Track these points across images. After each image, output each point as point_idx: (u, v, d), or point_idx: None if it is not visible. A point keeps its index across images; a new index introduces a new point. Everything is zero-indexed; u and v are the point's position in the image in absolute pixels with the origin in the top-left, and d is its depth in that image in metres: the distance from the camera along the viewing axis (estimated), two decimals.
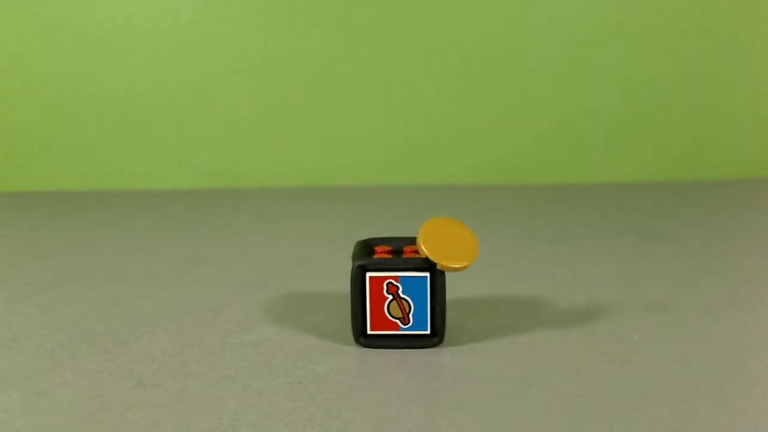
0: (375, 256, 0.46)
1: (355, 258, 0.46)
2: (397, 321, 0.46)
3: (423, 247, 0.45)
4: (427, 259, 0.45)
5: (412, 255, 0.46)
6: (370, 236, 0.67)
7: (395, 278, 0.45)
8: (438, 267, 0.45)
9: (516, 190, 1.12)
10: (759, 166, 1.23)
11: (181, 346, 0.46)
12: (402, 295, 0.45)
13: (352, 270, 0.45)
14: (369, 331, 0.46)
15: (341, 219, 0.87)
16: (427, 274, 0.45)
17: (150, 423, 0.36)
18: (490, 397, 0.38)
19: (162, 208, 0.98)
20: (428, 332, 0.46)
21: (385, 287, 0.45)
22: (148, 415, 0.37)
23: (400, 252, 0.48)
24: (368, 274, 0.45)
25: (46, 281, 0.62)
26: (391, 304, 0.45)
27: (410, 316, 0.45)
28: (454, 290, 0.58)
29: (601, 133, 1.20)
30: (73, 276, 0.63)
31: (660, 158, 1.21)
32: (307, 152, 1.18)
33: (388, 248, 0.48)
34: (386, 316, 0.45)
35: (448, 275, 0.58)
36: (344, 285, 0.58)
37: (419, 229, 0.46)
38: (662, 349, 0.45)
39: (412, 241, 0.49)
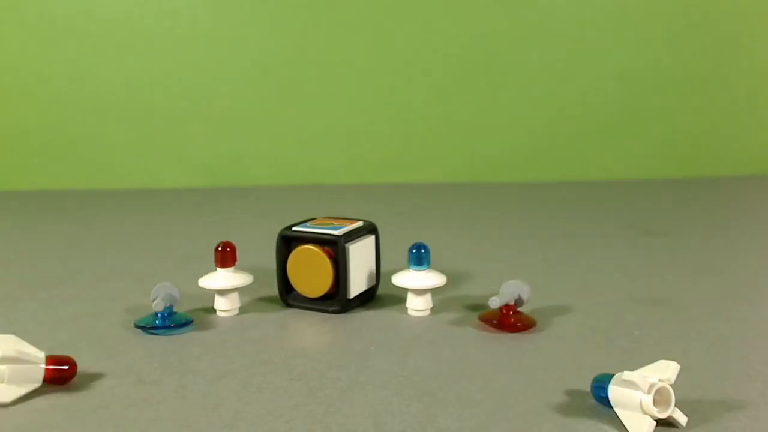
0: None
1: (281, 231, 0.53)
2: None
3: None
4: (333, 235, 0.51)
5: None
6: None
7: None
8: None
9: (515, 187, 1.12)
10: (758, 163, 1.23)
11: (181, 344, 0.46)
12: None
13: (276, 241, 0.53)
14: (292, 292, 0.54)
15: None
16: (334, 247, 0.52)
17: (150, 420, 0.36)
18: (491, 393, 0.39)
19: (162, 206, 0.98)
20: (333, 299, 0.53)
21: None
22: (148, 412, 0.37)
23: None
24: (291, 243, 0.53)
25: (46, 279, 0.62)
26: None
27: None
28: (454, 288, 0.58)
29: (600, 130, 1.20)
30: (73, 274, 0.63)
31: (660, 155, 1.21)
32: (306, 150, 1.18)
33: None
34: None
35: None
36: None
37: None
38: (662, 345, 0.45)
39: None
